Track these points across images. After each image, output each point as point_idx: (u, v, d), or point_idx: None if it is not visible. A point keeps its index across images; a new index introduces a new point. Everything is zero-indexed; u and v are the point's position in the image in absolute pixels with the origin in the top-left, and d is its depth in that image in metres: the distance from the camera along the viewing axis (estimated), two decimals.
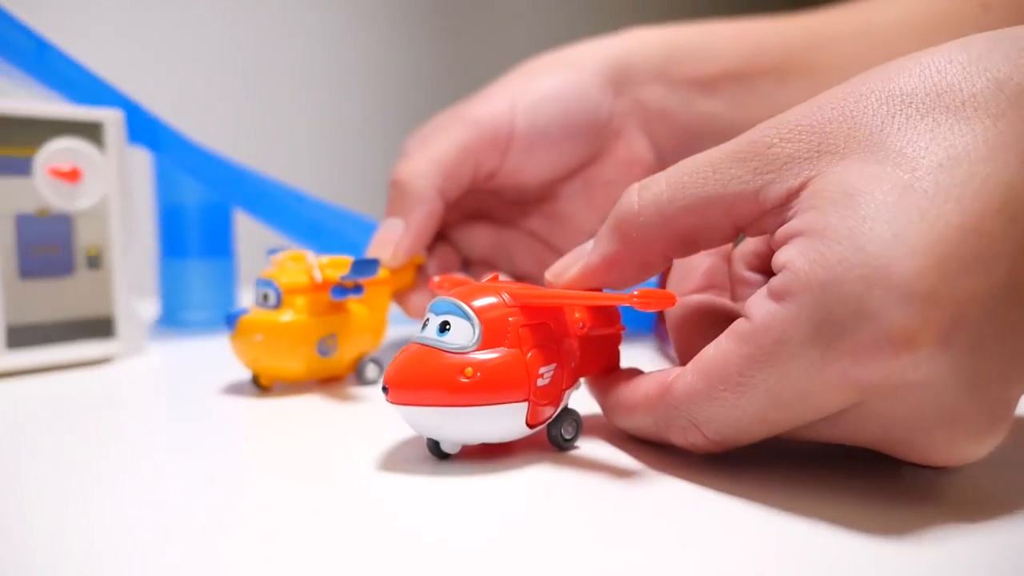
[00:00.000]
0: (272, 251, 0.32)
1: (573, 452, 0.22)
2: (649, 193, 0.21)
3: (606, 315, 0.24)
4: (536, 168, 0.36)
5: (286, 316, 0.29)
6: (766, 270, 0.25)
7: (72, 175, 0.35)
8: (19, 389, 0.31)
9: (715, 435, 0.19)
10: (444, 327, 0.21)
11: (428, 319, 0.22)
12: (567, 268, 0.23)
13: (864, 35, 0.39)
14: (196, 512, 0.18)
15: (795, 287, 0.17)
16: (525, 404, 0.21)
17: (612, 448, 0.23)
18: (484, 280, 0.23)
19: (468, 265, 0.39)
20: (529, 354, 0.21)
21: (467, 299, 0.21)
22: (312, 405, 0.28)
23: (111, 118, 0.36)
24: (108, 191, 0.36)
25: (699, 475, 0.20)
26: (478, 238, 0.38)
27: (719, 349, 0.19)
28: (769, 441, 0.19)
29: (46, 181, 0.34)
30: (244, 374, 0.32)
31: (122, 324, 0.36)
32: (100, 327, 0.36)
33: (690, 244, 0.21)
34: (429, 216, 0.33)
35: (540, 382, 0.21)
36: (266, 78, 1.20)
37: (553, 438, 0.22)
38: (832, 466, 0.21)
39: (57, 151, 0.34)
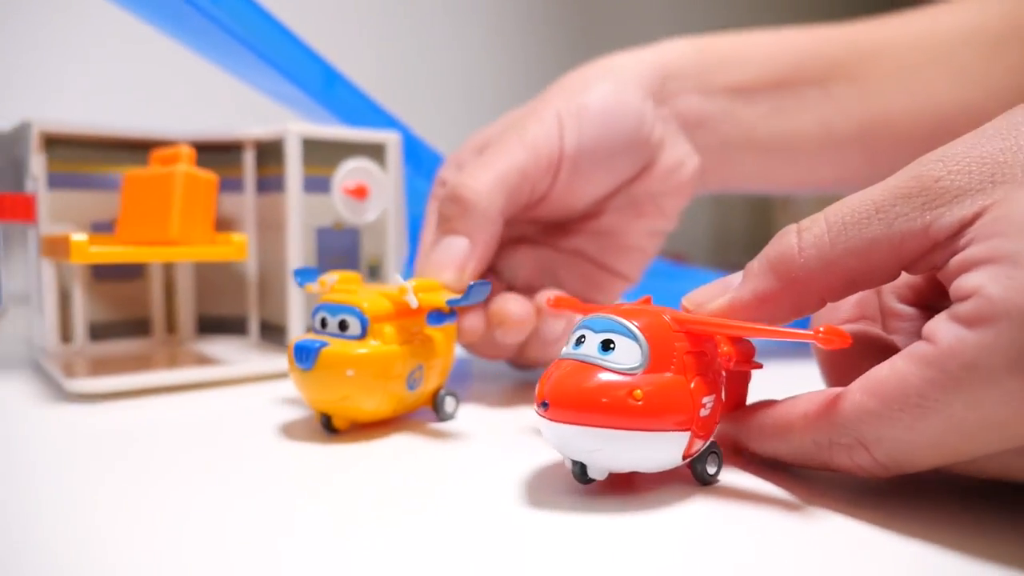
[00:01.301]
0: (301, 272, 0.29)
1: (717, 485, 0.22)
2: (810, 235, 0.21)
3: (748, 350, 0.24)
4: (586, 188, 0.34)
5: (380, 347, 0.26)
6: (920, 302, 0.25)
7: (360, 192, 0.38)
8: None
9: (884, 457, 0.19)
10: (608, 345, 0.21)
11: (583, 336, 0.21)
12: (711, 299, 0.23)
13: (919, 46, 0.38)
14: (347, 558, 0.17)
15: (990, 314, 0.17)
16: (687, 434, 0.20)
17: (754, 478, 0.23)
18: (637, 302, 0.24)
19: (511, 291, 0.37)
20: (693, 382, 0.21)
21: (633, 319, 0.21)
22: (408, 445, 0.26)
23: (392, 140, 0.39)
24: (388, 206, 0.39)
25: (853, 508, 0.20)
26: (521, 262, 0.36)
27: (895, 370, 0.19)
28: (927, 474, 0.19)
29: (340, 198, 0.38)
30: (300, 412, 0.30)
31: None
32: None
33: (851, 286, 0.21)
34: (493, 237, 0.32)
35: (702, 412, 0.21)
36: (398, 89, 1.25)
37: (698, 473, 0.22)
38: (1004, 504, 0.20)
39: (350, 170, 0.38)
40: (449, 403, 0.29)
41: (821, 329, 0.19)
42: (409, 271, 0.43)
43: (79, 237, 0.31)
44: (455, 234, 0.31)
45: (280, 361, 0.36)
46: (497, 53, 1.29)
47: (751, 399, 0.25)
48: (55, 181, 0.37)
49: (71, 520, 0.19)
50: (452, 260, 0.31)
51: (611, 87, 0.34)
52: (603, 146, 0.33)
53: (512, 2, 1.32)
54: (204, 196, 0.35)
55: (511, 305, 0.31)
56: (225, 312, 0.42)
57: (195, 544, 0.18)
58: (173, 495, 0.21)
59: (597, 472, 0.21)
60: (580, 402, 0.20)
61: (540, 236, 0.37)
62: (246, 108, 0.67)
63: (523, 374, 0.37)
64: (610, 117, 0.33)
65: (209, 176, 0.35)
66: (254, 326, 0.40)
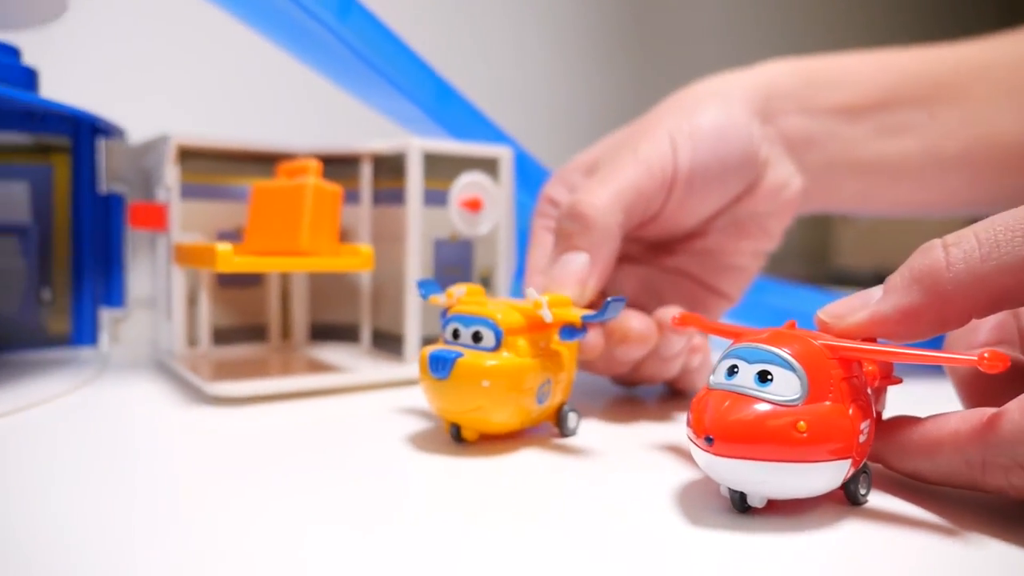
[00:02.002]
0: (424, 283, 0.30)
1: (868, 506, 0.22)
2: (959, 251, 0.21)
3: (888, 365, 0.24)
4: (696, 207, 0.34)
5: (514, 359, 0.26)
6: None
7: (474, 205, 0.39)
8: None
9: None
10: (765, 377, 0.21)
11: (735, 366, 0.21)
12: (850, 313, 0.23)
13: None
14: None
15: None
16: (848, 461, 0.21)
17: (904, 502, 0.23)
18: (783, 326, 0.23)
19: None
20: (851, 409, 0.21)
21: (787, 348, 0.21)
22: (540, 460, 0.26)
23: (505, 154, 0.40)
24: (500, 219, 0.40)
25: (1006, 532, 0.20)
26: (625, 280, 0.37)
27: None
28: None
29: (456, 211, 0.39)
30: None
31: None
32: None
33: (1000, 304, 0.21)
34: (613, 253, 0.32)
35: (861, 438, 0.21)
36: (493, 104, 1.26)
37: (851, 493, 0.22)
38: None
39: (466, 184, 0.39)
40: (572, 419, 0.29)
41: (986, 354, 0.20)
42: (518, 283, 0.44)
43: (224, 247, 0.32)
44: (575, 250, 0.31)
45: (402, 369, 0.37)
46: (593, 73, 1.30)
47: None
48: (185, 191, 0.39)
49: (211, 520, 0.20)
50: (573, 276, 0.31)
51: (721, 107, 0.35)
52: (715, 166, 0.34)
53: (605, 27, 1.33)
54: (330, 208, 0.36)
55: (633, 322, 0.31)
56: (336, 319, 0.43)
57: (331, 548, 0.19)
58: (312, 498, 0.22)
59: (757, 500, 0.21)
60: (746, 436, 0.20)
61: (643, 255, 0.38)
62: (343, 121, 0.69)
63: (624, 389, 0.37)
64: (721, 137, 0.34)
65: (335, 188, 0.36)
66: (366, 334, 0.41)
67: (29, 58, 0.37)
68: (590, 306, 0.33)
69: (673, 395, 0.36)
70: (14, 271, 0.39)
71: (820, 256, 1.64)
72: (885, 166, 0.38)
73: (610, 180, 0.32)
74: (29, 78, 0.37)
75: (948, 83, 0.38)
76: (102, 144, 0.41)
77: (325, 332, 0.43)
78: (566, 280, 0.31)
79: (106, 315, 0.41)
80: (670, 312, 0.32)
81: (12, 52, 0.36)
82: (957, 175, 0.38)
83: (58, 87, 0.40)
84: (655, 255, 0.37)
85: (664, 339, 0.32)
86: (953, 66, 0.38)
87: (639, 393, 0.37)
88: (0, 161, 0.39)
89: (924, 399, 0.28)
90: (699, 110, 0.34)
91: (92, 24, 0.64)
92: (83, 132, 0.40)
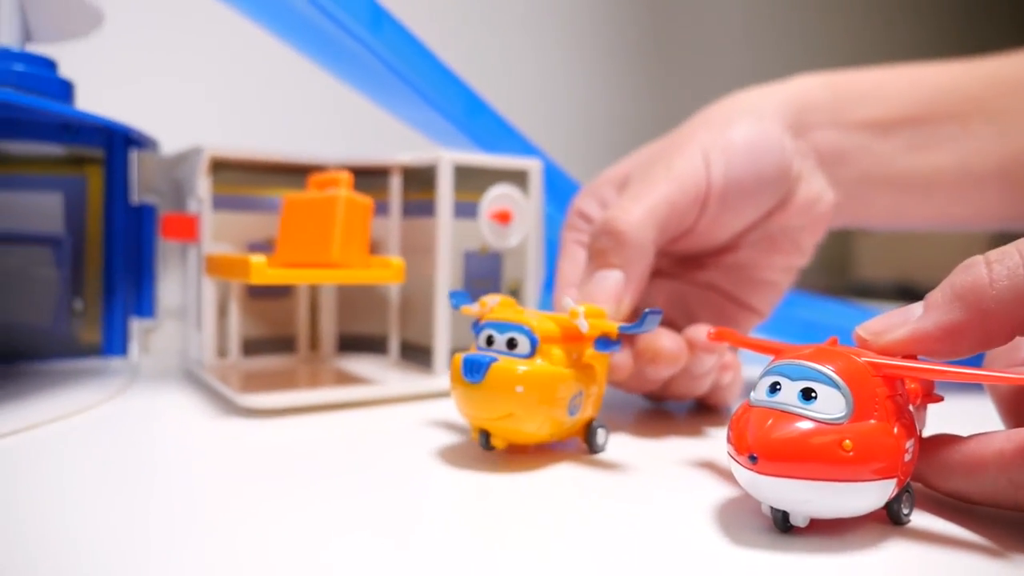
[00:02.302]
0: (456, 294, 0.29)
1: (910, 526, 0.22)
2: (1003, 267, 0.21)
3: (930, 384, 0.23)
4: (730, 222, 0.34)
5: (549, 367, 0.26)
6: None
7: (504, 217, 0.39)
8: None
9: None
10: (809, 394, 0.20)
11: (777, 383, 0.21)
12: (890, 329, 0.23)
13: None
14: None
15: None
16: (894, 481, 0.20)
17: (944, 521, 0.22)
18: (825, 343, 0.23)
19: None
20: (895, 428, 0.21)
21: (831, 366, 0.21)
22: (571, 475, 0.26)
23: (534, 167, 0.40)
24: (529, 231, 0.40)
25: None
26: (655, 294, 0.37)
27: None
28: None
29: (486, 223, 0.39)
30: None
31: None
32: None
33: None
34: (647, 269, 0.32)
35: (906, 457, 0.21)
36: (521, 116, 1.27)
37: (894, 513, 0.22)
38: None
39: (496, 196, 0.39)
40: (601, 435, 0.29)
41: None
42: (547, 295, 0.44)
43: (258, 259, 0.32)
44: (610, 267, 0.31)
45: (431, 381, 0.37)
46: (617, 86, 1.30)
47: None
48: (216, 203, 0.39)
49: (241, 531, 0.20)
50: (608, 293, 0.31)
51: (753, 122, 0.35)
52: (749, 181, 0.34)
53: (629, 41, 1.33)
54: (361, 220, 0.36)
55: (663, 340, 0.31)
56: (364, 331, 0.43)
57: (360, 561, 0.19)
58: (341, 510, 0.22)
59: (800, 520, 0.21)
60: (791, 455, 0.20)
61: (674, 269, 0.37)
62: (368, 133, 0.70)
63: (653, 403, 0.37)
64: (754, 152, 0.34)
65: (366, 200, 0.36)
66: (394, 345, 0.41)
67: (65, 70, 0.38)
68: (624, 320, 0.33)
69: (703, 410, 0.36)
70: (47, 281, 0.39)
71: (840, 268, 1.62)
72: (918, 181, 0.37)
73: (644, 196, 0.32)
74: (65, 90, 0.37)
75: (982, 97, 0.37)
76: (135, 155, 0.41)
77: (353, 343, 0.43)
78: (600, 297, 0.31)
79: (136, 325, 0.42)
80: (701, 331, 0.31)
81: (49, 65, 0.37)
82: (991, 190, 0.38)
83: (93, 98, 0.40)
84: (685, 269, 0.37)
85: (695, 357, 0.32)
86: (987, 81, 0.38)
87: (668, 407, 0.37)
88: (35, 172, 0.39)
89: (962, 416, 0.28)
90: (731, 125, 0.34)
91: (126, 36, 0.64)
92: (116, 143, 0.41)
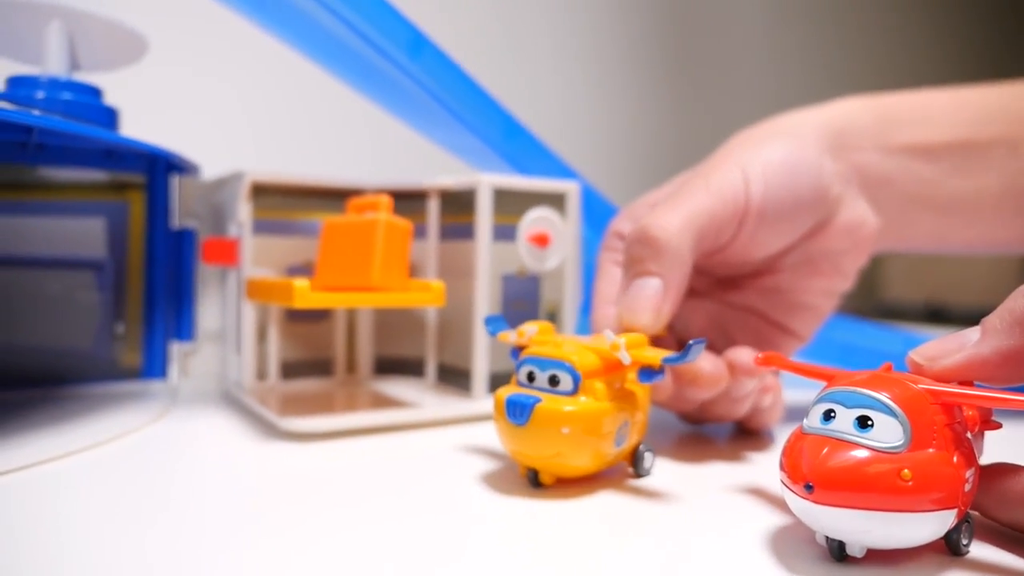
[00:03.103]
0: (492, 320, 0.29)
1: (969, 557, 0.21)
2: None
3: (988, 411, 0.23)
4: (767, 241, 0.34)
5: (593, 404, 0.26)
6: None
7: (542, 240, 0.39)
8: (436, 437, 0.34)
9: None
10: (865, 423, 0.20)
11: (832, 410, 0.21)
12: (946, 355, 0.22)
13: None
14: None
15: None
16: (954, 511, 0.20)
17: (1004, 552, 0.22)
18: (879, 369, 0.23)
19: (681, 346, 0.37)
20: (955, 457, 0.20)
21: (887, 393, 0.20)
22: (619, 504, 0.26)
23: (572, 189, 0.40)
24: (567, 254, 0.40)
25: None
26: (693, 316, 0.36)
27: None
28: None
29: (524, 246, 0.39)
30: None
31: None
32: None
33: None
34: (685, 277, 0.31)
35: (966, 487, 0.20)
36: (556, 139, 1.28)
37: (952, 543, 0.21)
38: None
39: (534, 219, 0.39)
40: (648, 459, 0.29)
41: None
42: (584, 319, 0.43)
43: (301, 283, 0.32)
44: (648, 275, 0.31)
45: (470, 405, 0.37)
46: (649, 111, 1.31)
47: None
48: (256, 227, 0.39)
49: (281, 556, 0.20)
50: (648, 302, 0.30)
51: (791, 143, 0.34)
52: (787, 200, 0.33)
53: (668, 68, 1.34)
54: (401, 243, 0.36)
55: (704, 364, 0.31)
56: (401, 353, 0.43)
57: None
58: (384, 535, 0.22)
59: (856, 550, 0.20)
60: (848, 484, 0.19)
61: (713, 291, 0.37)
62: (403, 156, 0.70)
63: (692, 427, 0.37)
64: (792, 172, 0.33)
65: (406, 224, 0.36)
66: (431, 368, 0.41)
67: (109, 96, 0.38)
68: (659, 340, 0.33)
69: (743, 433, 0.36)
70: (90, 305, 0.40)
71: (868, 290, 1.61)
72: (963, 204, 0.37)
73: (681, 205, 0.32)
74: (110, 117, 0.38)
75: None
76: (176, 180, 0.42)
77: (390, 366, 0.43)
78: (639, 307, 0.30)
79: (176, 348, 0.42)
80: (742, 353, 0.31)
81: (95, 92, 0.38)
82: None
83: (135, 124, 0.41)
84: (725, 291, 0.37)
85: (735, 381, 0.31)
86: None
87: (708, 431, 0.36)
88: (79, 198, 0.40)
89: (1021, 442, 0.27)
90: (769, 145, 0.34)
91: (168, 63, 0.66)
92: (158, 169, 0.41)
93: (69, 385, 0.40)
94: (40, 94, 0.36)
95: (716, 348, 0.36)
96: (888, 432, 0.20)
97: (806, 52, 1.53)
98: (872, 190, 0.36)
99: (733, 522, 0.24)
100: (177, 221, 0.42)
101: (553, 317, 0.40)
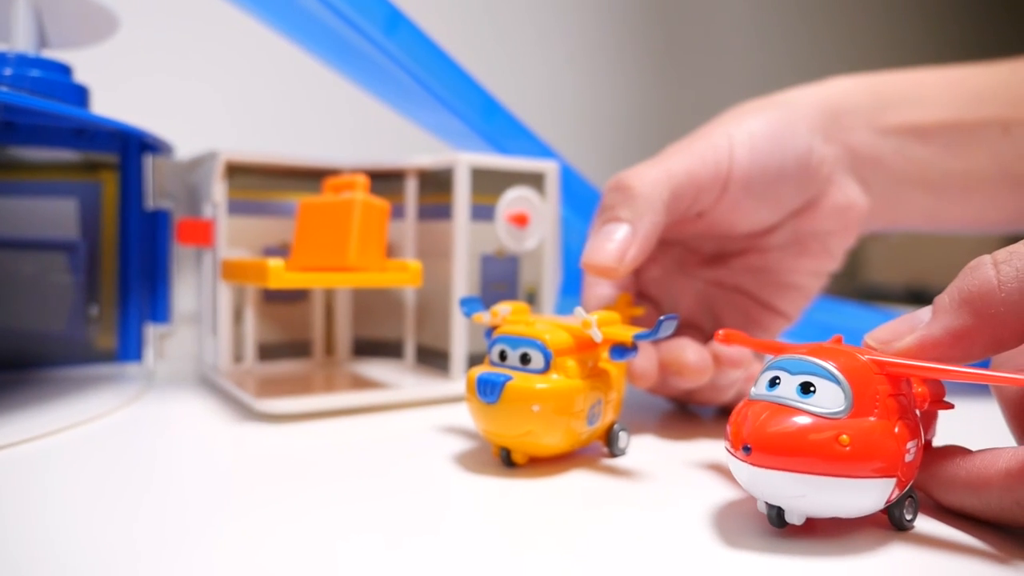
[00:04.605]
0: (467, 301, 0.29)
1: (913, 532, 0.21)
2: (1011, 268, 0.20)
3: (940, 389, 0.23)
4: (750, 212, 0.34)
5: (565, 382, 0.25)
6: None
7: (521, 220, 0.39)
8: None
9: None
10: (808, 388, 0.20)
11: (777, 377, 0.21)
12: (897, 336, 0.22)
13: None
14: None
15: None
16: (893, 480, 0.20)
17: (950, 528, 0.22)
18: (828, 341, 0.23)
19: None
20: (897, 427, 0.20)
21: (832, 361, 0.20)
22: (588, 482, 0.26)
23: (551, 169, 0.40)
24: (546, 234, 0.40)
25: None
26: (682, 295, 0.36)
27: None
28: None
29: (503, 226, 0.39)
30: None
31: None
32: None
33: None
34: (656, 227, 0.30)
35: (907, 458, 0.20)
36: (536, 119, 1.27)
37: (895, 519, 0.21)
38: None
39: (513, 199, 0.39)
40: (622, 438, 0.28)
41: None
42: (564, 299, 0.43)
43: (276, 263, 0.32)
44: (615, 221, 0.30)
45: (448, 386, 0.37)
46: (632, 90, 1.30)
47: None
48: (231, 207, 0.39)
49: (257, 536, 0.20)
50: (614, 245, 0.30)
51: (781, 115, 0.34)
52: (772, 170, 0.33)
53: (644, 46, 1.33)
54: (378, 223, 0.36)
55: (689, 355, 0.31)
56: (380, 335, 0.43)
57: (373, 566, 0.19)
58: (357, 515, 0.22)
59: (795, 517, 0.20)
60: (785, 447, 0.19)
61: (700, 269, 0.37)
62: (379, 136, 0.70)
63: (678, 406, 0.37)
64: (779, 142, 0.33)
65: (383, 204, 0.36)
66: (410, 350, 0.41)
67: (80, 75, 0.38)
68: (639, 320, 0.33)
69: (728, 412, 0.36)
70: (62, 287, 0.39)
71: (851, 273, 1.62)
72: (955, 184, 0.37)
73: (661, 162, 0.32)
74: (80, 95, 0.37)
75: (1023, 100, 0.37)
76: (149, 160, 0.41)
77: (369, 347, 0.43)
78: (604, 249, 0.30)
79: (152, 331, 0.41)
80: (729, 347, 0.31)
81: (64, 70, 0.37)
82: None
83: (107, 103, 0.40)
84: (713, 270, 0.37)
85: (720, 371, 0.31)
86: None
87: (695, 409, 0.36)
88: (50, 178, 0.39)
89: (973, 423, 0.27)
90: (759, 116, 0.34)
91: (140, 41, 0.64)
92: (131, 148, 0.40)
93: (43, 368, 0.39)
94: (7, 71, 0.35)
95: (704, 328, 0.36)
96: (829, 398, 0.20)
97: (793, 32, 1.53)
98: (863, 171, 0.36)
99: (691, 499, 0.24)
100: (151, 202, 0.41)
101: (532, 298, 0.40)
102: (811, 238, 0.35)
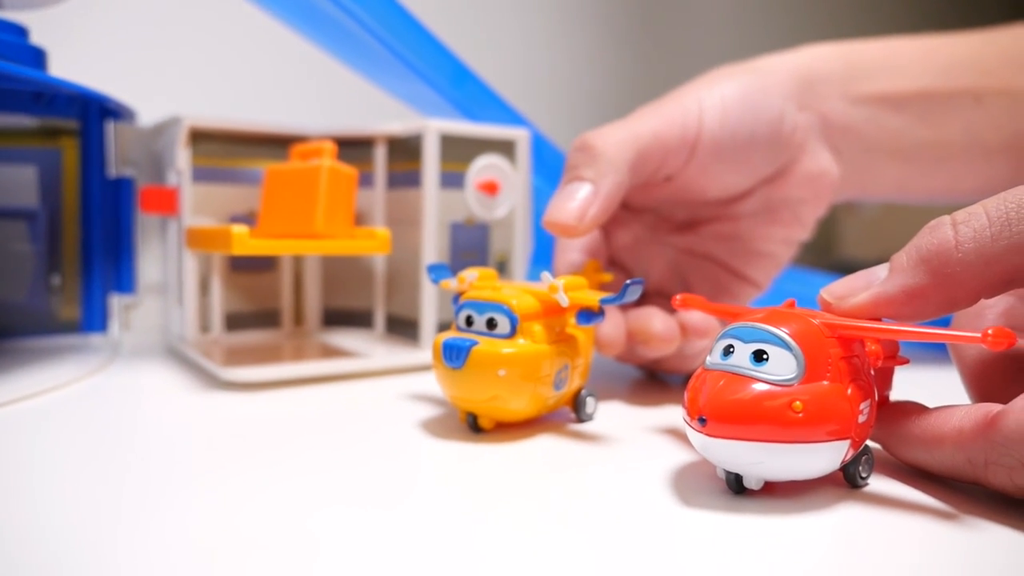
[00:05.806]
0: (435, 268, 0.29)
1: (867, 490, 0.22)
2: (969, 229, 0.20)
3: (894, 346, 0.23)
4: (720, 176, 0.34)
5: (531, 346, 0.25)
6: None
7: (491, 188, 0.39)
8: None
9: None
10: (760, 356, 0.20)
11: (731, 345, 0.21)
12: (853, 293, 0.22)
13: None
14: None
15: None
16: (847, 442, 0.20)
17: (905, 486, 0.22)
18: (781, 306, 0.23)
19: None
20: (849, 389, 0.20)
21: (785, 327, 0.20)
22: (554, 447, 0.26)
23: (521, 136, 0.39)
24: (517, 202, 0.40)
25: (1011, 519, 0.19)
26: (653, 263, 0.36)
27: None
28: None
29: (473, 194, 0.38)
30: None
31: None
32: None
33: (1011, 284, 0.20)
34: (618, 187, 0.30)
35: (860, 419, 0.20)
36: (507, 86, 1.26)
37: (850, 476, 0.22)
38: None
39: (483, 167, 0.38)
40: (590, 403, 0.28)
41: (990, 331, 0.19)
42: (535, 267, 0.43)
43: (240, 229, 0.31)
44: (578, 180, 0.30)
45: (417, 355, 0.36)
46: (607, 58, 1.29)
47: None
48: (196, 175, 0.38)
49: (224, 504, 0.20)
50: (575, 203, 0.29)
51: (754, 81, 0.34)
52: (742, 134, 0.33)
53: (619, 12, 1.32)
54: (346, 190, 0.35)
55: (656, 324, 0.31)
56: (350, 304, 0.42)
57: (343, 533, 0.18)
58: (326, 483, 0.22)
59: (753, 482, 0.21)
60: (740, 417, 0.20)
61: (671, 237, 0.37)
62: (351, 104, 0.68)
63: (644, 373, 0.37)
64: (750, 107, 0.33)
65: (351, 171, 0.36)
66: (380, 319, 0.41)
67: (37, 38, 0.37)
68: (608, 287, 0.33)
69: None
70: (22, 256, 0.38)
71: (825, 247, 1.63)
72: (927, 153, 0.37)
73: (627, 124, 0.32)
74: (37, 58, 0.36)
75: (996, 71, 0.37)
76: (111, 127, 0.40)
77: (338, 317, 0.43)
78: (566, 207, 0.30)
79: (116, 301, 0.41)
80: (694, 316, 0.31)
81: (19, 31, 0.36)
82: (1001, 164, 0.37)
83: (66, 69, 0.39)
84: (683, 237, 0.37)
85: (687, 341, 0.31)
86: (1002, 54, 0.37)
87: (663, 376, 0.36)
88: (8, 145, 0.38)
89: (933, 383, 0.28)
90: (732, 80, 0.34)
91: (101, 3, 0.63)
92: (92, 114, 0.39)
93: (4, 339, 0.38)
94: None
95: (674, 295, 0.36)
96: (782, 365, 0.20)
97: (769, 5, 1.52)
98: (835, 139, 0.36)
99: (654, 463, 0.24)
100: (114, 169, 0.40)
101: (503, 266, 0.40)
102: (782, 206, 0.35)
